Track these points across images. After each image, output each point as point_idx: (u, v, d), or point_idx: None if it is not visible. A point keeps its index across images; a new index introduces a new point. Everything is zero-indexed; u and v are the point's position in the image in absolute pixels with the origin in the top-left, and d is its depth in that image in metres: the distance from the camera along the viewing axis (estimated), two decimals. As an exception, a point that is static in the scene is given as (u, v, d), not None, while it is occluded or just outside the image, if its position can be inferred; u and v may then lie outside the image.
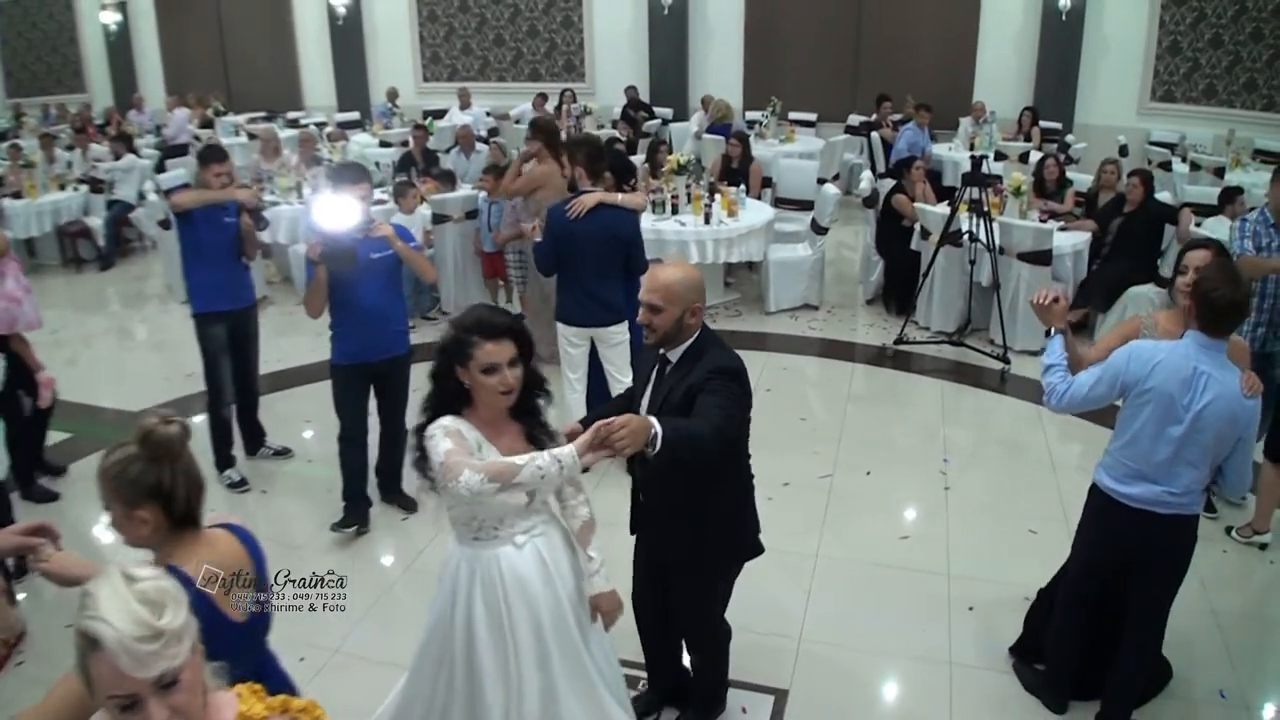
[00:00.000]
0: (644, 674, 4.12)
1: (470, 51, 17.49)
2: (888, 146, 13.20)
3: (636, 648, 3.98)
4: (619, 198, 5.78)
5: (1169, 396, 3.42)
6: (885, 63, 15.03)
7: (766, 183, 10.34)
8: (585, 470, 2.93)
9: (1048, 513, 5.53)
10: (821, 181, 10.44)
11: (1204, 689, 4.22)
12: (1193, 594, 4.80)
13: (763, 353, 8.13)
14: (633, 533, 3.75)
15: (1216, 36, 13.09)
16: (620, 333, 5.78)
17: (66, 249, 11.62)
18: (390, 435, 5.73)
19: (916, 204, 8.74)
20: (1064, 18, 13.76)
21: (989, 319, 8.17)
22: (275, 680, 2.50)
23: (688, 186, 9.00)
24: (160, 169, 12.22)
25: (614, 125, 14.15)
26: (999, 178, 8.89)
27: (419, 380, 5.79)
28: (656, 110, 15.38)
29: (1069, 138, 13.08)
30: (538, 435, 3.10)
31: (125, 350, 9.23)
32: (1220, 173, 10.92)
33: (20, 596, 4.93)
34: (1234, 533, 5.39)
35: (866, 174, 10.21)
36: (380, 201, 8.69)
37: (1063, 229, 8.27)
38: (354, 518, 5.58)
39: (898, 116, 13.73)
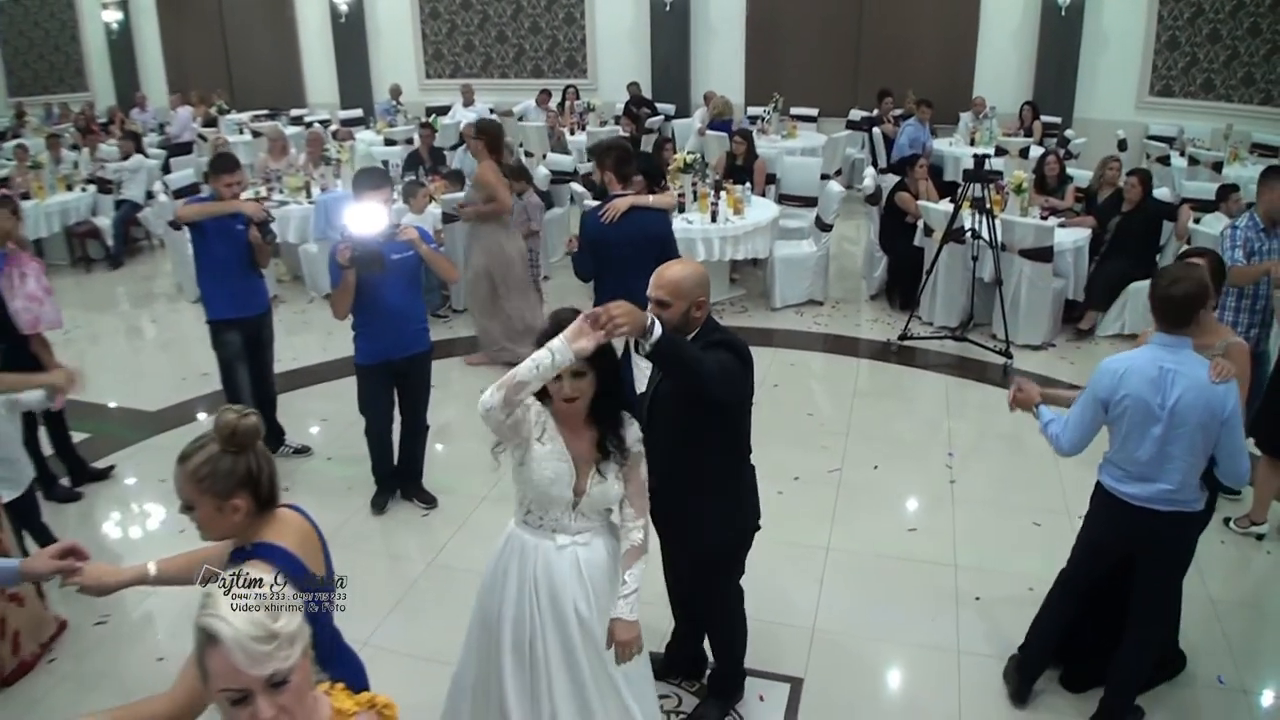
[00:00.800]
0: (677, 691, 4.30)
1: (473, 48, 17.56)
2: (889, 142, 13.28)
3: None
4: (650, 199, 5.93)
5: (1143, 400, 3.57)
6: (886, 58, 15.12)
7: (771, 179, 10.46)
8: (581, 357, 2.93)
9: (1051, 505, 5.67)
10: (825, 178, 10.56)
11: (1203, 675, 4.35)
12: (1192, 583, 4.91)
13: (769, 348, 8.26)
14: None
15: (1214, 31, 13.19)
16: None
17: (75, 249, 11.71)
18: (411, 431, 5.90)
19: (920, 201, 8.84)
20: (1063, 13, 13.84)
21: (991, 314, 8.30)
22: (343, 651, 2.79)
23: (694, 185, 9.12)
24: (167, 168, 12.35)
25: (616, 121, 14.24)
26: (1000, 174, 8.99)
27: (438, 377, 5.99)
28: (659, 106, 15.47)
29: (1068, 132, 13.17)
30: (606, 443, 3.14)
31: (139, 350, 9.32)
32: (1218, 167, 11.02)
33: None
34: (1232, 523, 5.52)
35: (870, 171, 10.31)
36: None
37: (1063, 225, 8.38)
38: (386, 494, 5.96)
39: (899, 112, 13.81)
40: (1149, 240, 8.28)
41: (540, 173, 10.11)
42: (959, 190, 8.12)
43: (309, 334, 8.88)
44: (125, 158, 11.94)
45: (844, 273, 10.22)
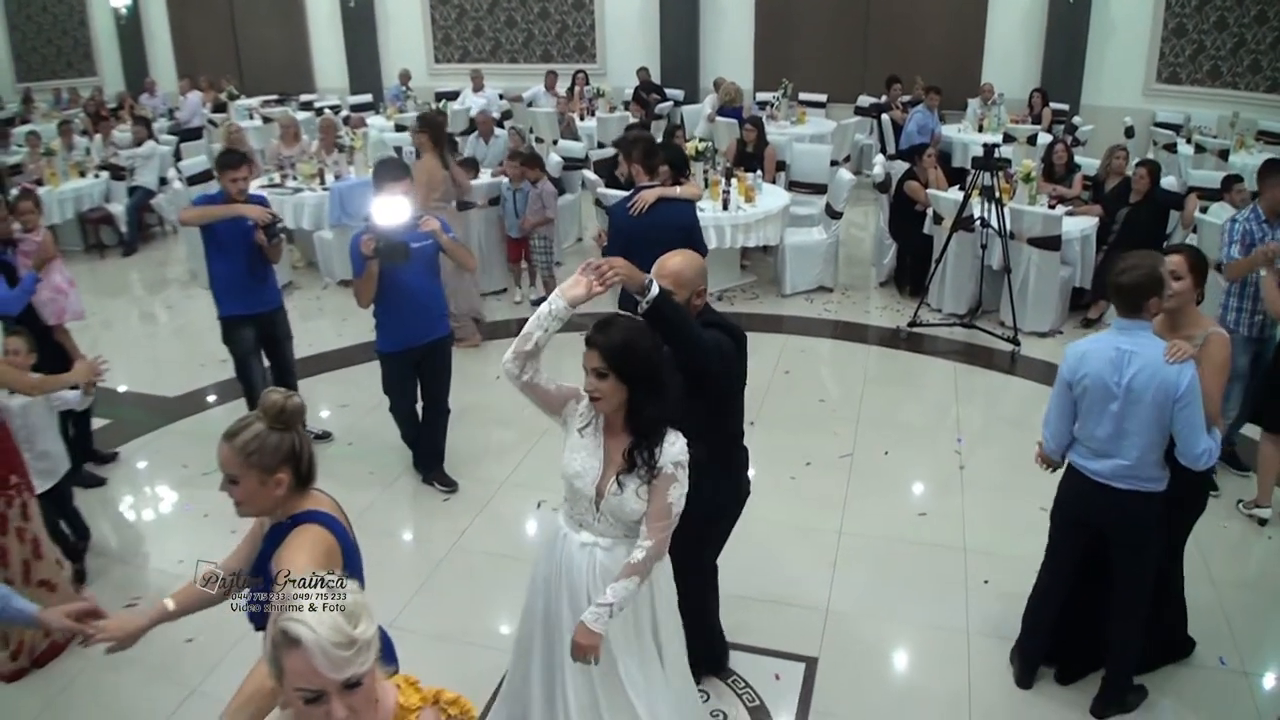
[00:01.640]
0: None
1: (482, 33, 17.58)
2: (898, 128, 13.32)
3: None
4: (676, 190, 6.02)
5: (1100, 378, 3.76)
6: (894, 44, 15.16)
7: (781, 167, 10.52)
8: (576, 305, 3.11)
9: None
10: (834, 165, 10.63)
11: (1204, 656, 4.46)
12: (1194, 565, 5.03)
13: (780, 335, 8.36)
14: None
15: (1221, 19, 13.21)
16: None
17: (89, 235, 11.78)
18: (432, 415, 6.04)
19: (929, 190, 8.91)
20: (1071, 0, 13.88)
21: (999, 302, 8.39)
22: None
23: (705, 172, 9.20)
24: (178, 155, 12.44)
25: (626, 107, 14.29)
26: (1009, 162, 9.06)
27: (455, 364, 6.09)
28: (668, 92, 15.49)
29: (1076, 119, 13.20)
30: (635, 453, 3.09)
31: (154, 336, 9.42)
32: (1225, 155, 11.05)
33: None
34: (1240, 505, 5.64)
35: (879, 158, 10.37)
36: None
37: (1070, 214, 8.45)
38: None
39: (907, 98, 13.84)
40: (1156, 231, 8.34)
41: (553, 159, 10.19)
42: (968, 178, 8.20)
43: (324, 320, 8.98)
44: (138, 144, 12.00)
45: (853, 259, 10.30)
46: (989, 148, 7.83)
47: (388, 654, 2.83)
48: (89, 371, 4.84)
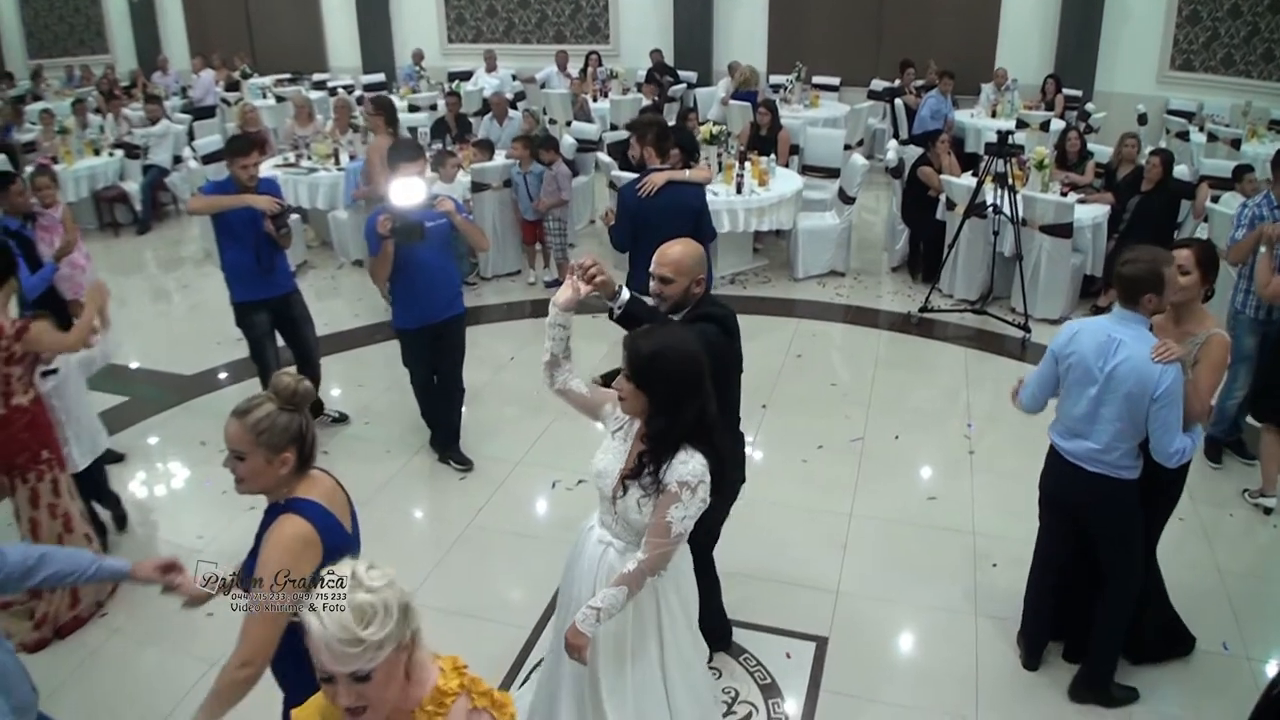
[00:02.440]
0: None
1: (495, 13, 17.51)
2: (911, 113, 13.30)
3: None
4: (686, 173, 6.07)
5: (1085, 360, 3.81)
6: (908, 27, 15.08)
7: (794, 150, 10.54)
8: (569, 309, 3.24)
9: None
10: (847, 149, 10.64)
11: (1208, 641, 4.51)
12: (1199, 552, 5.14)
13: (792, 319, 8.42)
14: None
15: (1235, 6, 13.13)
16: None
17: (103, 214, 11.84)
18: (447, 392, 6.12)
19: (942, 176, 8.93)
20: (1085, -16, 13.81)
21: (1011, 288, 8.42)
22: None
23: (719, 156, 9.22)
24: (192, 134, 12.48)
25: (639, 89, 14.29)
26: (1022, 149, 9.07)
27: (469, 343, 6.15)
28: (681, 74, 15.46)
29: (1089, 106, 13.17)
30: (641, 459, 3.05)
31: (169, 314, 9.48)
32: (1237, 144, 11.05)
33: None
34: (1245, 494, 5.70)
35: (893, 144, 10.37)
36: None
37: (1082, 201, 8.47)
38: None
39: (921, 82, 13.82)
40: (1167, 219, 8.35)
41: (567, 141, 10.22)
42: (981, 164, 8.22)
43: (338, 299, 9.03)
44: (153, 122, 12.05)
45: (865, 244, 10.31)
46: (1003, 134, 7.85)
47: None
48: (100, 293, 4.84)
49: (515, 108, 12.22)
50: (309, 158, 10.09)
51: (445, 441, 6.21)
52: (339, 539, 2.73)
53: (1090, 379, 3.79)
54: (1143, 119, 12.82)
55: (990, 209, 8.04)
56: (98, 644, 4.61)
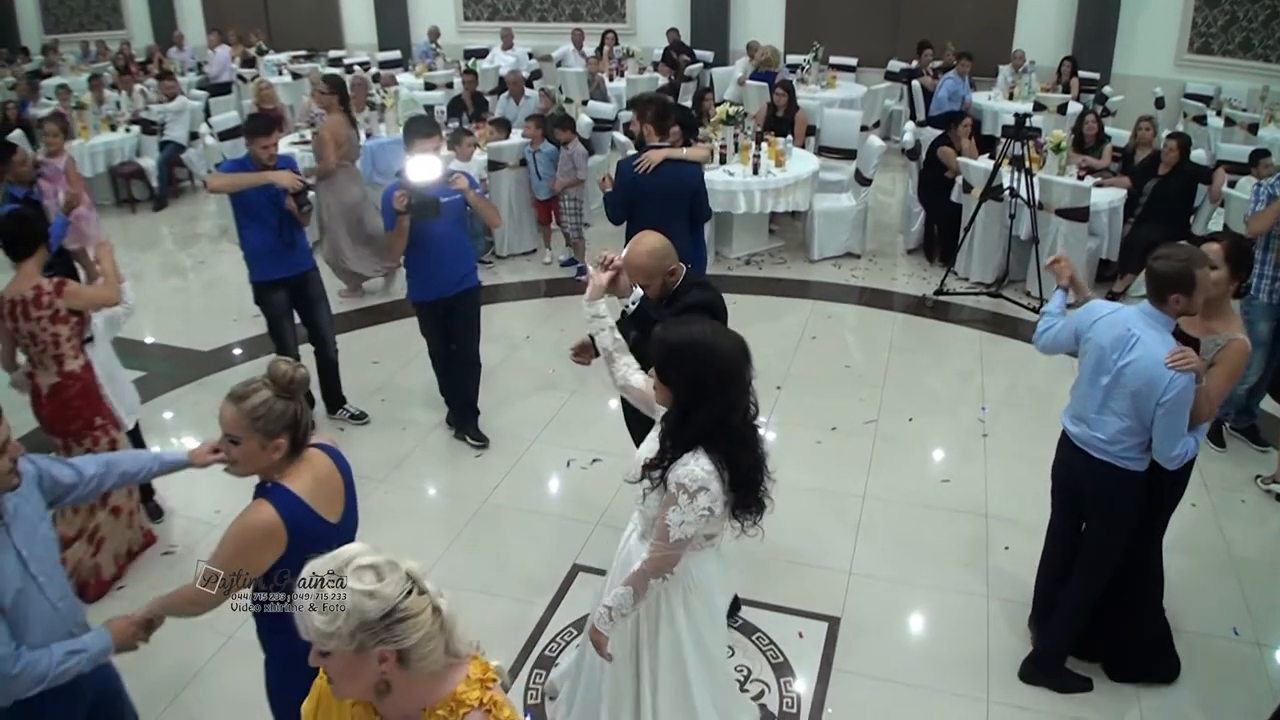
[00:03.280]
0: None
1: (511, -10, 17.51)
2: (928, 94, 13.23)
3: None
4: (684, 152, 6.07)
5: (1102, 349, 3.74)
6: (926, 8, 14.99)
7: (811, 131, 10.51)
8: (596, 299, 3.43)
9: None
10: (864, 130, 10.60)
11: (1218, 626, 4.55)
12: (1210, 538, 5.14)
13: (807, 300, 8.43)
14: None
15: (1254, -10, 13.06)
16: None
17: (120, 190, 11.89)
18: (464, 367, 6.16)
19: (960, 158, 8.90)
20: (1104, -35, 13.70)
21: (1026, 272, 8.42)
22: None
23: (735, 136, 9.21)
24: (208, 110, 12.50)
25: (655, 68, 14.23)
26: (1039, 131, 9.04)
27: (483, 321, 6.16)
28: (698, 53, 15.37)
29: (1106, 89, 13.09)
30: (659, 451, 2.99)
31: (186, 290, 9.51)
32: (1254, 129, 10.97)
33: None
34: (1259, 480, 5.69)
35: (910, 125, 10.34)
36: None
37: (1099, 185, 8.44)
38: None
39: (938, 64, 13.75)
40: (1183, 204, 8.33)
41: (583, 121, 10.21)
42: (998, 147, 8.19)
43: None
44: (169, 98, 12.06)
45: (880, 226, 10.28)
46: (1020, 117, 7.82)
47: None
48: (108, 249, 4.92)
49: (531, 86, 12.20)
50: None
51: (462, 417, 6.27)
52: (312, 530, 2.70)
53: (1104, 369, 3.73)
54: (1160, 102, 12.74)
55: (1007, 192, 8.02)
56: (115, 614, 4.66)
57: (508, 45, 15.57)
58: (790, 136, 9.65)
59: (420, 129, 5.74)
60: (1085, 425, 3.86)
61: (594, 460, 5.88)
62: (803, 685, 4.22)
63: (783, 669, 4.29)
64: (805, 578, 4.83)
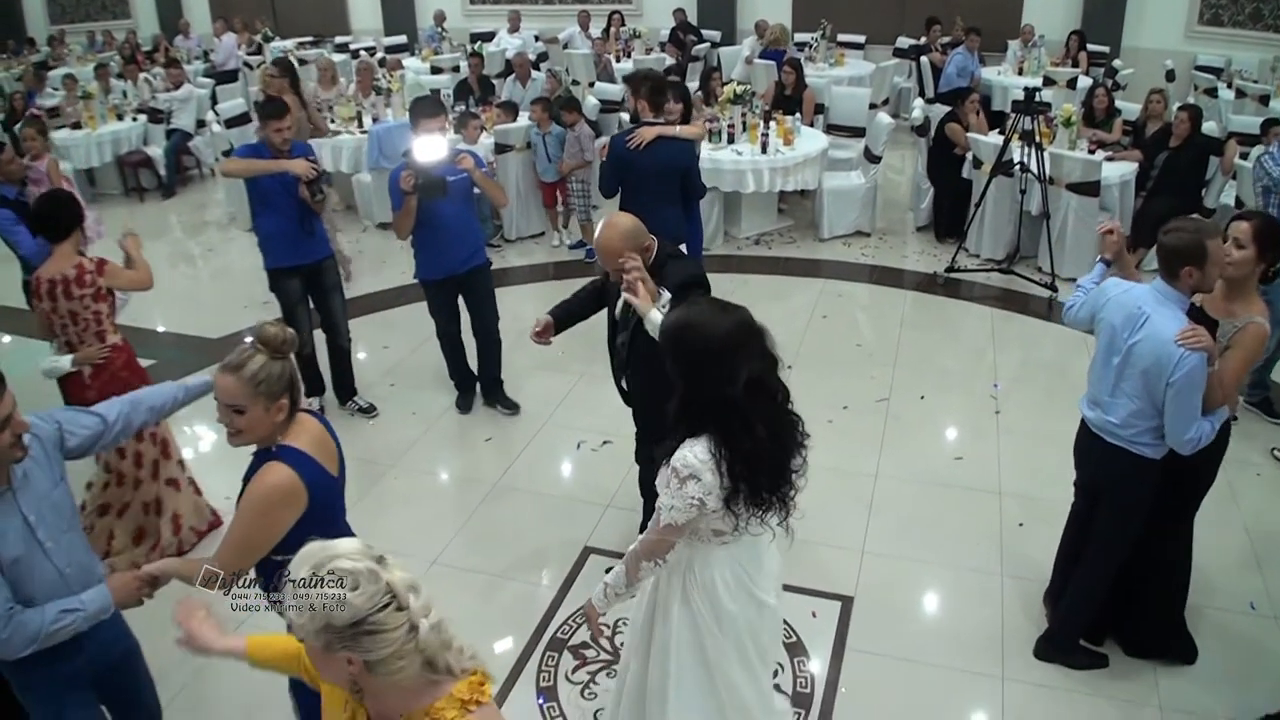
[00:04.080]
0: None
1: (517, -27, 17.39)
2: (937, 71, 13.14)
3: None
4: (677, 129, 6.05)
5: (1113, 328, 3.68)
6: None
7: (819, 109, 10.45)
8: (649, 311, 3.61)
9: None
10: (873, 108, 10.53)
11: (1235, 600, 4.53)
12: (1227, 512, 5.10)
13: (818, 279, 8.40)
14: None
15: (1265, -41, 12.92)
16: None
17: (127, 179, 11.89)
18: (485, 345, 6.24)
19: (969, 134, 8.84)
20: (1113, -63, 13.56)
21: (1038, 247, 8.35)
22: None
23: (743, 115, 9.16)
24: (215, 98, 12.47)
25: (662, 49, 14.17)
26: (1049, 106, 8.96)
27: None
28: (705, 33, 15.29)
29: (1116, 62, 12.97)
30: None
31: (195, 278, 9.51)
32: (1265, 100, 10.85)
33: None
34: (1274, 452, 5.66)
35: (918, 101, 10.28)
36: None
37: (1110, 159, 8.37)
38: (467, 396, 6.44)
39: (947, 40, 13.65)
40: (1195, 176, 8.26)
41: (590, 102, 10.17)
42: (1008, 122, 8.13)
43: (363, 263, 9.03)
44: (176, 87, 12.05)
45: (890, 204, 10.23)
46: (1029, 91, 7.75)
47: None
48: (137, 241, 5.00)
49: (538, 68, 12.15)
50: (332, 121, 10.07)
51: (490, 389, 6.40)
52: (325, 486, 2.81)
53: (1114, 349, 3.68)
54: (1170, 75, 12.61)
55: (1017, 167, 7.96)
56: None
57: (514, 28, 15.52)
58: (798, 115, 9.59)
59: (426, 109, 5.72)
60: (1100, 410, 3.80)
61: (604, 442, 5.86)
62: (817, 665, 4.21)
63: (796, 649, 4.28)
64: (818, 557, 4.81)
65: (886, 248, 9.18)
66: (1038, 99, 7.76)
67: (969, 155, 8.78)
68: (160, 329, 7.80)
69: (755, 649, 3.09)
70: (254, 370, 2.70)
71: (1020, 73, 12.67)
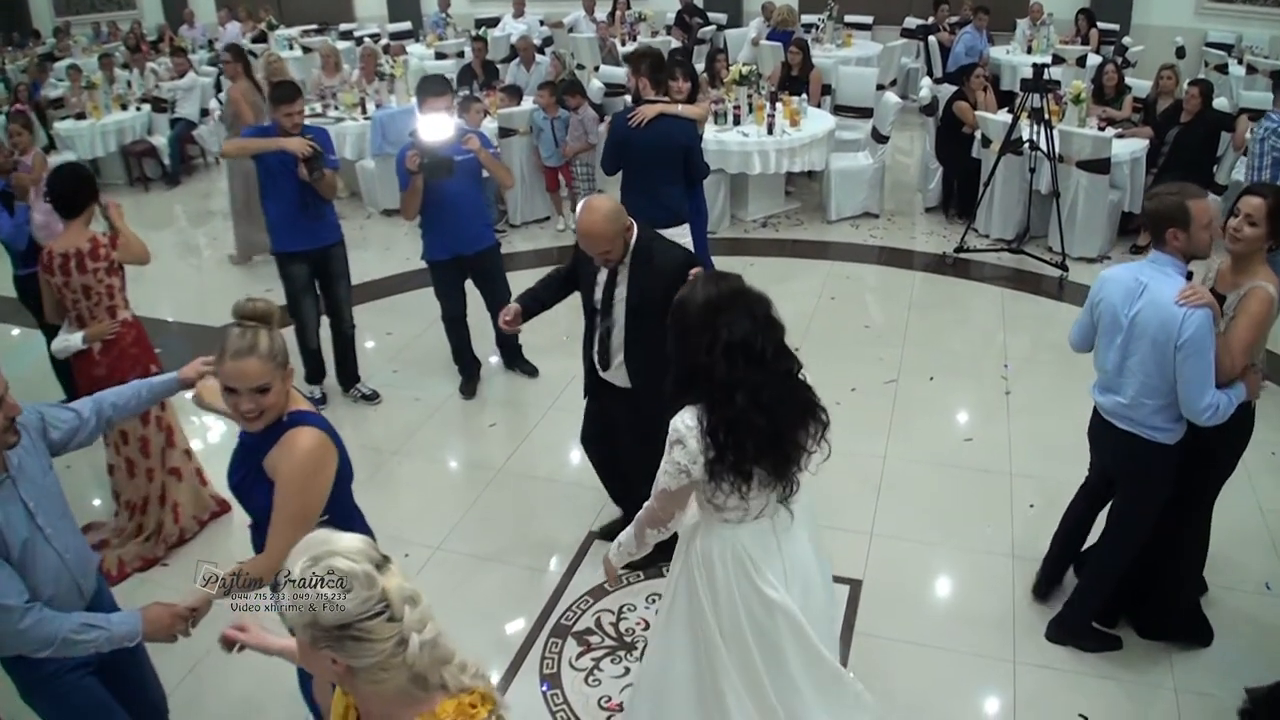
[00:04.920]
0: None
1: (522, -42, 17.26)
2: (945, 50, 13.03)
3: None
4: (679, 108, 5.98)
5: (1113, 307, 3.64)
6: (941, -37, 14.73)
7: (826, 90, 10.36)
8: None
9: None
10: (880, 88, 10.43)
11: (1251, 581, 4.47)
12: (1242, 492, 5.00)
13: (826, 261, 8.33)
14: (586, 395, 4.47)
15: (1276, -66, 12.75)
16: (679, 235, 5.99)
17: (132, 168, 11.86)
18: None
19: (978, 112, 8.74)
20: (1123, -88, 13.40)
21: (1048, 227, 8.25)
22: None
23: (749, 96, 9.08)
24: (219, 86, 12.43)
25: (668, 31, 14.07)
26: (1058, 84, 8.87)
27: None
28: (710, 15, 15.17)
29: (1126, 39, 12.85)
30: None
31: (200, 267, 9.49)
32: (1276, 76, 10.73)
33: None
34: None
35: (926, 81, 10.17)
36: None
37: (1120, 136, 8.27)
38: (471, 382, 6.41)
39: (955, 19, 13.53)
40: (1206, 152, 8.17)
41: (594, 86, 10.10)
42: (1017, 100, 8.04)
43: (367, 250, 8.99)
44: (180, 76, 12.01)
45: (898, 185, 10.15)
46: (1038, 69, 7.64)
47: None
48: (119, 209, 4.99)
49: (543, 52, 12.07)
50: (336, 107, 10.04)
51: (510, 356, 6.53)
52: (339, 441, 2.85)
53: (1117, 327, 3.63)
54: (1180, 52, 12.45)
55: (1026, 145, 7.86)
56: (135, 587, 4.67)
57: (519, 12, 15.39)
58: (805, 96, 9.50)
59: (432, 88, 5.71)
60: (1109, 393, 3.76)
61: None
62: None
63: (804, 633, 4.22)
64: (826, 540, 4.67)
65: (895, 229, 9.10)
66: (1047, 76, 7.67)
67: (978, 134, 8.68)
68: (165, 318, 7.75)
69: (763, 656, 2.94)
70: (268, 346, 2.70)
71: (1029, 51, 12.51)
